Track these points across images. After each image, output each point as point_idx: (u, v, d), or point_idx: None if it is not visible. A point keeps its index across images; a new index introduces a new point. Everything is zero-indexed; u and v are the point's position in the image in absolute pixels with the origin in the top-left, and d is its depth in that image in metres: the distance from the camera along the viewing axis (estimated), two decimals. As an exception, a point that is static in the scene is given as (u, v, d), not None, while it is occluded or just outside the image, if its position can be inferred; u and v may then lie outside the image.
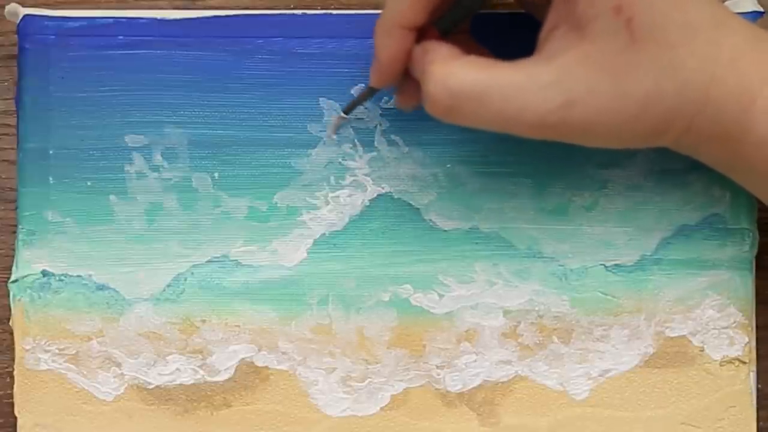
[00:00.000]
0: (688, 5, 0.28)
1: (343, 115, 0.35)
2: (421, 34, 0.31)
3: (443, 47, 0.31)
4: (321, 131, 0.36)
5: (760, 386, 0.37)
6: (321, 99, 0.36)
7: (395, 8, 0.31)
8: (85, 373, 0.36)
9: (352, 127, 0.36)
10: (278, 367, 0.36)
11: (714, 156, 0.31)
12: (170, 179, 0.36)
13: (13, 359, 0.36)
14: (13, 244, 0.36)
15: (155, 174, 0.36)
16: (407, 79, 0.32)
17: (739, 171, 0.31)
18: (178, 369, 0.36)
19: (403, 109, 0.35)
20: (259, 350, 0.36)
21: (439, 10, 0.31)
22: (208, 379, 0.36)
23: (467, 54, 0.30)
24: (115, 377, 0.36)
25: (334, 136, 0.36)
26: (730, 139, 0.30)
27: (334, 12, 0.36)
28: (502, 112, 0.29)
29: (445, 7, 0.31)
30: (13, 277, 0.35)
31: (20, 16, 0.35)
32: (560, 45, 0.29)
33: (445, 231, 0.36)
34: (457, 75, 0.30)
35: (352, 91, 0.36)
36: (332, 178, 0.36)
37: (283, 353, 0.36)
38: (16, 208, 0.36)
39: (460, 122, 0.30)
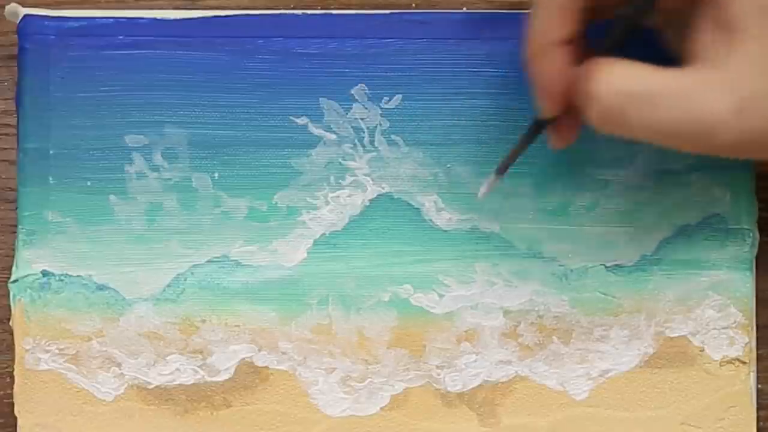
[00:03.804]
0: None
1: (495, 176, 0.34)
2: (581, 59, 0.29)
3: (605, 58, 0.29)
4: (321, 131, 0.36)
5: (760, 386, 0.37)
6: (321, 99, 0.36)
7: (543, 24, 0.29)
8: (85, 373, 0.36)
9: (352, 127, 0.36)
10: (278, 367, 0.36)
11: None
12: (170, 179, 0.36)
13: (13, 359, 0.36)
14: (13, 244, 0.36)
15: (155, 174, 0.36)
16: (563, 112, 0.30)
17: None
18: (178, 369, 0.36)
19: (556, 148, 0.32)
20: (259, 350, 0.36)
21: (587, 18, 0.29)
22: (208, 379, 0.36)
23: None
24: (115, 377, 0.36)
25: (485, 193, 0.34)
26: None
27: (334, 12, 0.36)
28: (671, 117, 0.27)
29: (593, 16, 0.29)
30: (13, 277, 0.35)
31: (20, 16, 0.35)
32: (717, 50, 0.28)
33: (445, 231, 0.36)
34: (624, 75, 0.28)
35: (353, 91, 0.36)
36: (332, 178, 0.36)
37: (283, 353, 0.36)
38: (16, 208, 0.36)
39: (622, 130, 0.28)
